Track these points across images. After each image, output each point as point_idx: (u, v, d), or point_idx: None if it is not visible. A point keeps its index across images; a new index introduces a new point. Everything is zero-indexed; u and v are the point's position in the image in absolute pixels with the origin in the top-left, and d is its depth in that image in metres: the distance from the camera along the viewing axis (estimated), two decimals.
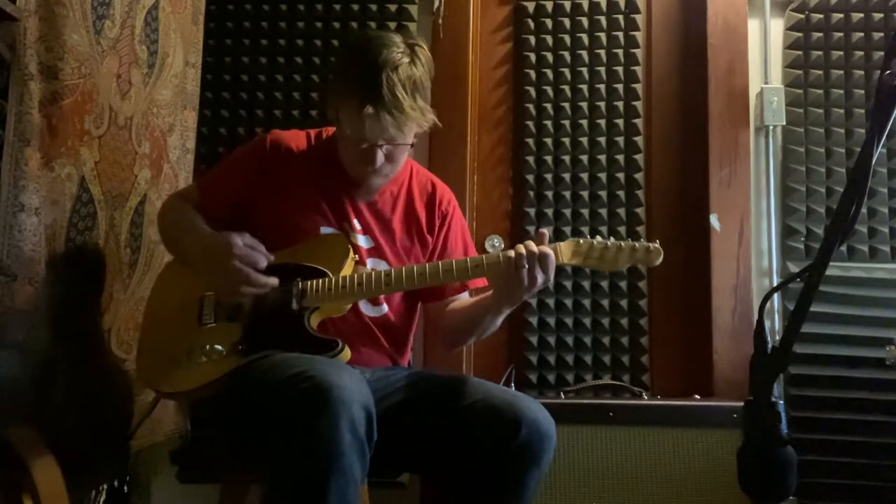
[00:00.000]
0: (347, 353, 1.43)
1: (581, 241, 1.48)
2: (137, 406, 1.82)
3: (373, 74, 1.44)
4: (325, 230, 1.59)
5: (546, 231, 1.47)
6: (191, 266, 1.57)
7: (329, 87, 1.63)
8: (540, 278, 1.42)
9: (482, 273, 1.49)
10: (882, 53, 2.36)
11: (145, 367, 1.57)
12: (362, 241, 1.62)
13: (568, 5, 2.55)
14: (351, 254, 1.54)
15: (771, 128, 2.44)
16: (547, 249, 1.43)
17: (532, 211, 2.48)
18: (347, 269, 1.52)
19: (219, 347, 1.46)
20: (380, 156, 1.51)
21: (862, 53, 2.44)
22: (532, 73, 2.54)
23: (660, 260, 1.48)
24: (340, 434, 1.17)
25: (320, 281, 1.49)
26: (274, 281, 1.47)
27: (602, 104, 2.50)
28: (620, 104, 2.51)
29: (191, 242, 1.56)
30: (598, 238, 1.49)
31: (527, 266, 1.41)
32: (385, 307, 1.63)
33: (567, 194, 2.48)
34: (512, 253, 1.43)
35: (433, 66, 1.55)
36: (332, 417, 1.17)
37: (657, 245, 1.48)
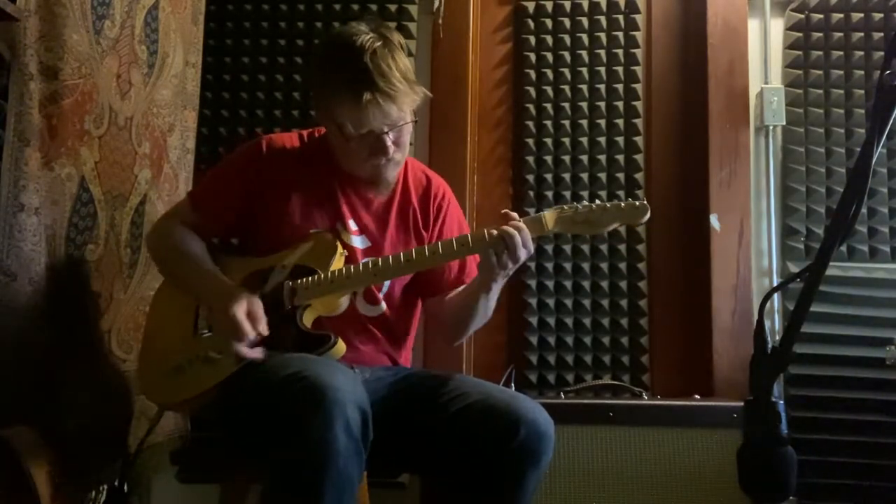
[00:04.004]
0: (342, 347, 1.43)
1: (565, 206, 1.48)
2: (138, 407, 1.82)
3: (356, 64, 1.45)
4: (313, 230, 1.58)
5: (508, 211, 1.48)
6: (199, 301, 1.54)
7: (317, 99, 1.63)
8: (522, 253, 1.42)
9: (467, 250, 1.48)
10: (882, 53, 2.36)
11: (145, 379, 1.57)
12: (357, 241, 1.61)
13: (568, 5, 2.55)
14: (339, 249, 1.53)
15: (771, 128, 2.44)
16: (521, 225, 1.43)
17: (532, 211, 2.47)
18: (337, 265, 1.52)
19: (215, 355, 1.45)
20: (389, 143, 1.51)
21: (862, 53, 2.44)
22: (532, 73, 2.54)
23: (647, 216, 1.46)
24: (335, 435, 1.17)
25: (309, 277, 1.49)
26: (258, 355, 1.41)
27: (602, 104, 2.50)
28: (620, 104, 2.51)
29: (200, 283, 1.53)
30: (584, 202, 1.48)
31: (517, 242, 1.41)
32: (383, 306, 1.62)
33: (567, 194, 2.48)
34: (495, 231, 1.43)
35: (404, 42, 1.57)
36: (326, 418, 1.18)
37: (644, 202, 1.47)
